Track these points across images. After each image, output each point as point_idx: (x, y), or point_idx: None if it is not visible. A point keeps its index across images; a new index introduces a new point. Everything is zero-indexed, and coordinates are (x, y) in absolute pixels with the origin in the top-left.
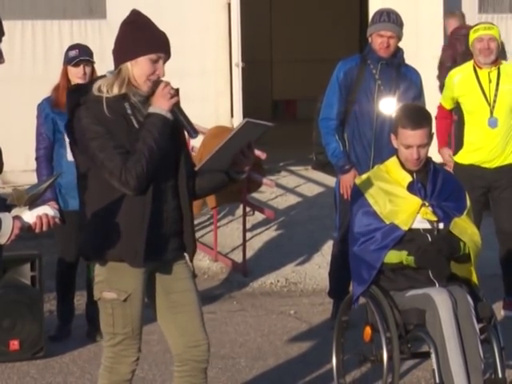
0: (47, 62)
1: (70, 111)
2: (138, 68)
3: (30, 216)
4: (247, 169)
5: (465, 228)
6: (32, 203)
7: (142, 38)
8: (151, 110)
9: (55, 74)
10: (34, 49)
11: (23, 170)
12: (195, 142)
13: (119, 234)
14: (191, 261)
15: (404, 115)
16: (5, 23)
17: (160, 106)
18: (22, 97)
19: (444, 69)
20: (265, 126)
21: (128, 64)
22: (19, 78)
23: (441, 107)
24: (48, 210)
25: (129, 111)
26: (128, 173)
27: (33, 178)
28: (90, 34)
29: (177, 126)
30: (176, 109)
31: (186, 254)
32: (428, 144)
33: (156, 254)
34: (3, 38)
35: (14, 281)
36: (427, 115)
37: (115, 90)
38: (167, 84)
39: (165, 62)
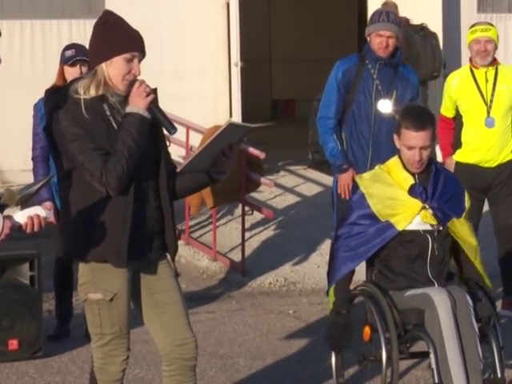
0: (46, 62)
1: (49, 113)
2: (114, 68)
3: (21, 216)
4: (228, 169)
5: (460, 229)
6: (24, 203)
7: (114, 37)
8: (128, 109)
9: (54, 74)
10: (32, 48)
11: (22, 169)
12: (193, 141)
13: (102, 235)
14: (173, 260)
15: (408, 116)
16: (4, 23)
17: (136, 104)
18: (20, 96)
19: None
20: (247, 127)
21: (103, 65)
22: (18, 78)
23: (442, 118)
24: (40, 210)
25: (107, 112)
26: (109, 174)
27: (32, 178)
28: (88, 33)
29: (155, 124)
30: (153, 106)
31: (167, 254)
32: (430, 146)
33: (139, 253)
34: (0, 39)
35: (12, 280)
36: (431, 117)
37: (92, 92)
38: (142, 82)
39: (140, 61)
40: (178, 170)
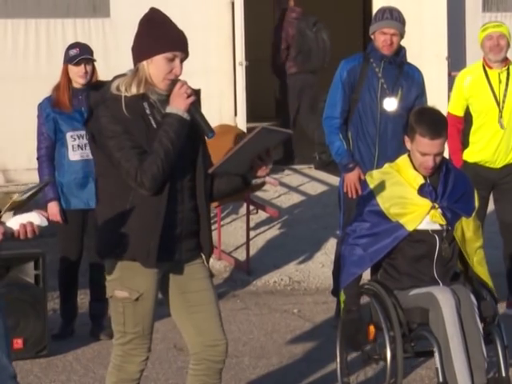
0: (51, 61)
1: (90, 109)
2: (154, 67)
3: (14, 222)
4: (264, 174)
5: (467, 228)
6: (16, 209)
7: (157, 36)
8: (168, 109)
9: (59, 73)
10: (37, 47)
11: (26, 168)
12: None
13: (133, 233)
14: (207, 261)
15: (423, 122)
16: (8, 22)
17: (176, 105)
18: (25, 95)
19: (278, 51)
20: (282, 133)
21: (144, 63)
22: (23, 77)
23: (451, 116)
24: (34, 217)
25: (147, 111)
26: (143, 173)
27: (36, 177)
28: (93, 32)
29: (195, 125)
30: (193, 108)
31: (202, 255)
32: (443, 151)
33: (169, 254)
34: (5, 38)
35: (17, 279)
36: (445, 122)
37: (133, 90)
38: (183, 83)
39: (182, 61)
40: (209, 171)
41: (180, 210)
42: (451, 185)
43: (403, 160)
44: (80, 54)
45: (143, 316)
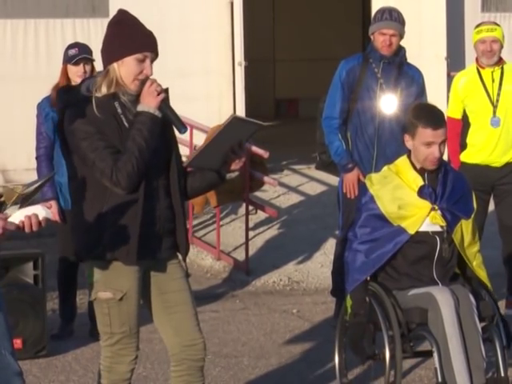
0: (50, 61)
1: (61, 111)
2: (125, 68)
3: (18, 215)
4: (237, 167)
5: (465, 230)
6: (22, 203)
7: (127, 37)
8: (139, 108)
9: (58, 73)
10: (36, 47)
11: (26, 168)
12: (198, 141)
13: (112, 233)
14: (184, 260)
15: (423, 115)
16: (8, 22)
17: (148, 103)
18: (24, 95)
19: None
20: (255, 124)
21: (115, 64)
22: (22, 77)
23: (450, 119)
24: (39, 210)
25: (119, 110)
26: (119, 172)
27: (35, 177)
28: (92, 32)
29: (167, 123)
30: (163, 105)
31: (178, 254)
32: (446, 140)
33: (149, 252)
34: (7, 36)
35: (16, 279)
36: (442, 113)
37: (104, 90)
38: (153, 81)
39: (152, 61)
40: (184, 165)
41: (157, 208)
42: (450, 186)
43: (403, 161)
44: (79, 53)
45: (129, 315)
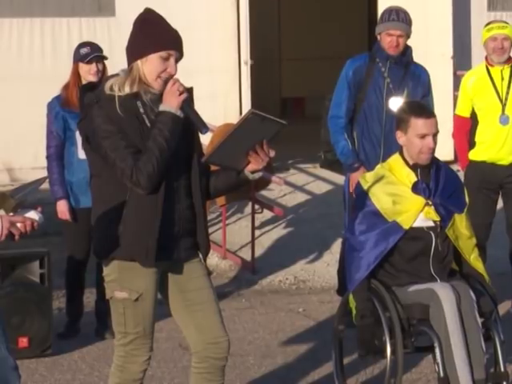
0: (56, 60)
1: (83, 110)
2: (148, 66)
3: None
4: (260, 167)
5: (459, 224)
6: (16, 208)
7: (151, 35)
8: (161, 108)
9: (64, 72)
10: (42, 46)
11: (32, 167)
12: (204, 140)
13: (131, 234)
14: (205, 260)
15: (413, 108)
16: (13, 21)
17: (169, 103)
18: (30, 94)
19: None
20: (276, 122)
21: (138, 62)
22: (28, 76)
23: (458, 117)
24: (33, 215)
25: (141, 110)
26: (139, 172)
27: (41, 176)
28: (98, 31)
29: (189, 123)
30: (186, 105)
31: (199, 253)
32: (438, 132)
33: (168, 253)
34: (13, 35)
35: (22, 278)
36: (431, 108)
37: (126, 89)
38: (176, 81)
39: (177, 60)
40: (202, 160)
41: (177, 209)
42: (443, 181)
43: (395, 159)
44: (91, 52)
45: (144, 316)
